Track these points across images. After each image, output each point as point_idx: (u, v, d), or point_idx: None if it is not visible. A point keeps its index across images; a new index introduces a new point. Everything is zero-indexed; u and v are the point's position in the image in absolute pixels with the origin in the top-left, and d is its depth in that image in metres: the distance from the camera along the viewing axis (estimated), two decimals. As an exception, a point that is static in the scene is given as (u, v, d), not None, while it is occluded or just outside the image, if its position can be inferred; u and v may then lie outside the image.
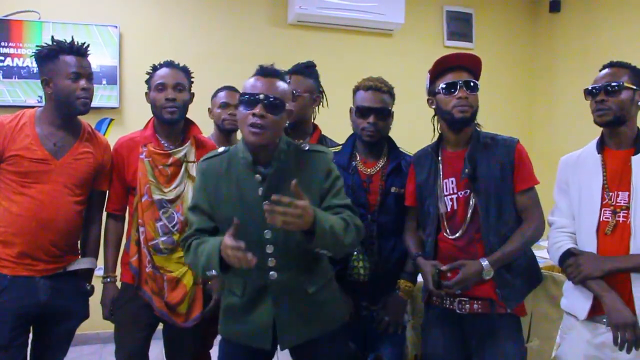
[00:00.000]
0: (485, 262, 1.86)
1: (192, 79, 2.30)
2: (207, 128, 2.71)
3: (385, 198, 2.19)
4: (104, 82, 3.79)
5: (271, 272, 1.76)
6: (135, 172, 2.17)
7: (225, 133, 2.82)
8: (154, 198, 2.15)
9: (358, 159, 2.26)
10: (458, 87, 1.93)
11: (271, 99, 1.69)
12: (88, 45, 2.09)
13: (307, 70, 2.45)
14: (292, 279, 1.78)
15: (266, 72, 1.75)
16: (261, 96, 1.68)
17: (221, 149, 1.83)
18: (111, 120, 3.86)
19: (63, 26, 3.67)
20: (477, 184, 1.94)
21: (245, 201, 1.74)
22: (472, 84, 1.94)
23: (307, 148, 1.83)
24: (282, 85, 1.76)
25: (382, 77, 2.25)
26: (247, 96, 1.71)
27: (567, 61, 4.54)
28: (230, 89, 2.87)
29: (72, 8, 3.79)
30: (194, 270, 2.04)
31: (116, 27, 3.81)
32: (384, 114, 2.18)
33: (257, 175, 1.74)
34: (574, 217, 1.99)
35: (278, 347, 1.83)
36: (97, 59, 3.67)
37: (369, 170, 2.24)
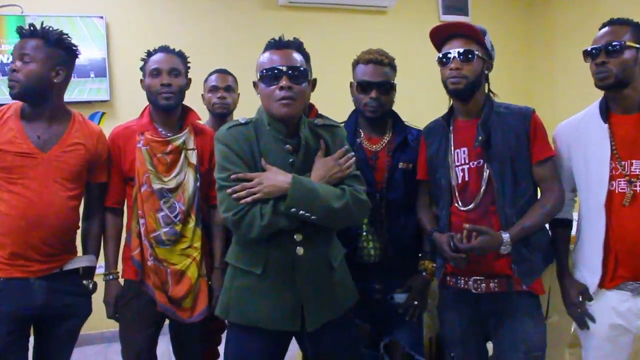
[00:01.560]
0: (506, 235, 1.79)
1: (189, 64, 2.21)
2: (204, 117, 2.62)
3: (392, 174, 2.11)
4: (92, 75, 3.68)
5: (298, 248, 1.70)
6: (133, 162, 2.08)
7: (219, 118, 2.70)
8: (154, 187, 2.06)
9: (362, 135, 2.18)
10: (451, 58, 1.85)
11: (294, 69, 1.69)
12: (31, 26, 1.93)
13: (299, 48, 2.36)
14: (318, 254, 1.75)
15: (280, 45, 1.74)
16: (283, 68, 1.67)
17: (242, 119, 1.78)
18: (103, 113, 3.76)
19: (47, 19, 3.50)
20: (491, 152, 1.86)
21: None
22: (468, 54, 1.85)
23: (320, 123, 1.83)
24: (298, 54, 1.75)
25: None
26: (267, 71, 1.69)
27: (566, 32, 4.44)
28: (221, 71, 2.77)
29: (56, 0, 3.66)
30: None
31: (102, 17, 3.69)
32: (387, 88, 2.10)
33: (288, 146, 1.73)
34: (574, 189, 1.94)
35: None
36: (85, 52, 3.51)
37: (374, 146, 2.15)
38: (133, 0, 3.84)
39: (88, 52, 3.64)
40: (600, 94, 1.87)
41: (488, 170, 1.87)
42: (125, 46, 3.74)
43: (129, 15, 3.81)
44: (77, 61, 2.07)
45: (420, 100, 4.04)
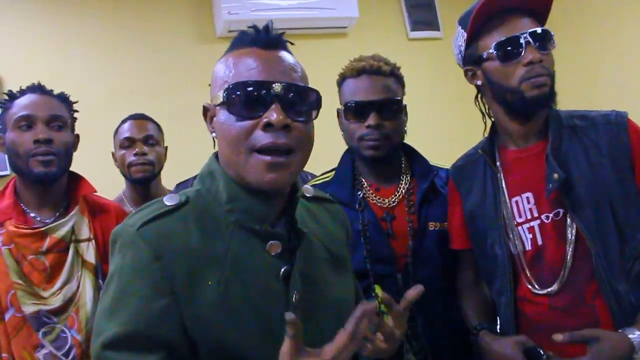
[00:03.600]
0: (635, 334, 1.05)
1: (74, 112, 1.51)
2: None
3: (420, 241, 1.40)
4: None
5: None
6: None
7: (140, 185, 1.93)
8: (26, 312, 1.30)
9: (366, 185, 1.47)
10: (524, 46, 1.18)
11: (296, 92, 0.91)
12: None
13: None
14: None
15: (267, 43, 0.93)
16: (276, 87, 0.89)
17: (171, 199, 0.92)
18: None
19: None
20: (576, 194, 1.17)
21: (254, 301, 0.88)
22: (547, 37, 1.20)
23: (311, 194, 1.11)
24: (300, 67, 0.97)
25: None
26: (250, 93, 0.89)
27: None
28: (138, 117, 1.99)
29: None
30: None
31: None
32: (392, 108, 1.39)
33: (273, 242, 0.92)
34: None
35: None
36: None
37: (386, 201, 1.44)
38: (29, 52, 3.04)
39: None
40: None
41: (574, 225, 1.17)
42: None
43: (28, 68, 3.00)
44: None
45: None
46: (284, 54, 0.94)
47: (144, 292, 0.81)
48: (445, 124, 3.59)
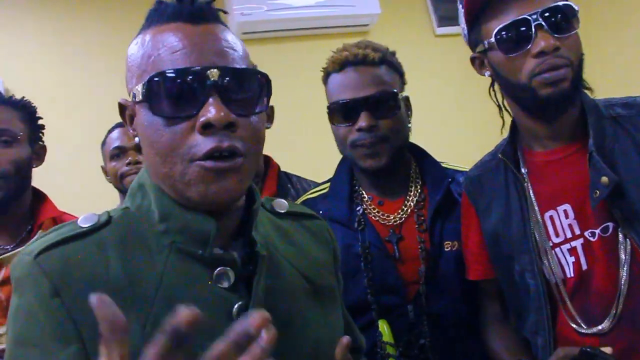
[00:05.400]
0: None
1: (39, 120, 1.32)
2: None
3: (435, 265, 1.19)
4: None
5: None
6: None
7: None
8: None
9: (366, 199, 1.26)
10: (534, 30, 0.96)
11: (237, 78, 0.72)
12: None
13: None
14: None
15: (195, 15, 0.73)
16: (212, 74, 0.69)
17: (85, 222, 0.74)
18: None
19: None
20: (629, 203, 0.94)
21: (196, 349, 0.61)
22: (567, 15, 0.97)
23: (286, 210, 0.91)
24: (240, 44, 0.78)
25: None
26: (177, 86, 0.70)
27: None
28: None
29: None
30: None
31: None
32: (387, 104, 1.19)
33: (222, 270, 0.73)
34: None
35: None
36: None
37: (392, 217, 1.22)
38: (35, 56, 2.96)
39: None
40: None
41: (629, 242, 0.94)
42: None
43: (32, 75, 2.91)
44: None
45: (424, 136, 3.22)
46: (217, 27, 0.73)
47: (42, 342, 0.62)
48: (476, 125, 3.34)
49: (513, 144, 1.11)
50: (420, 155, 1.33)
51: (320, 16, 3.18)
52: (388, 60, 1.24)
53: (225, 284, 0.72)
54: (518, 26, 0.97)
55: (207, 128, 0.68)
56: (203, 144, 0.68)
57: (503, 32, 0.98)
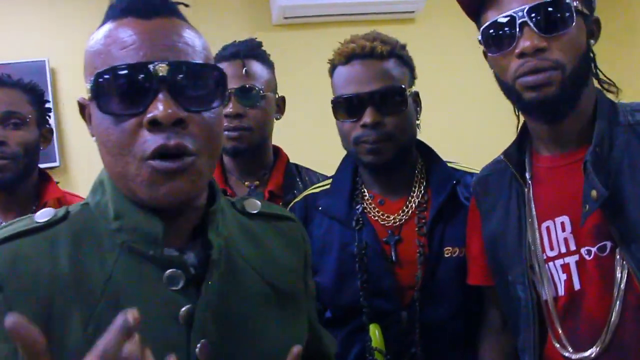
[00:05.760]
0: None
1: (46, 103, 1.39)
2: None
3: (433, 270, 1.13)
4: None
5: None
6: None
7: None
8: None
9: (367, 198, 1.21)
10: (518, 31, 0.89)
11: (188, 73, 0.69)
12: None
13: (263, 53, 1.51)
14: None
15: (147, 10, 0.70)
16: (160, 68, 0.66)
17: (41, 217, 0.72)
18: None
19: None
20: (629, 222, 0.85)
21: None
22: (555, 12, 0.89)
23: (257, 210, 0.85)
24: (198, 38, 0.74)
25: None
26: (124, 81, 0.67)
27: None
28: None
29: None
30: None
31: (45, 61, 2.89)
32: (394, 100, 1.13)
33: (173, 272, 0.70)
34: None
35: None
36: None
37: (392, 217, 1.17)
38: (79, 35, 3.03)
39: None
40: None
41: (626, 265, 0.85)
42: (76, 95, 2.92)
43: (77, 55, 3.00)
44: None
45: (463, 132, 3.12)
46: (171, 21, 0.70)
47: None
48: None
49: (520, 145, 1.03)
50: (428, 154, 1.26)
51: (363, 2, 3.11)
52: (397, 54, 1.18)
53: (178, 286, 0.70)
54: (500, 25, 0.90)
55: (155, 125, 0.65)
56: (151, 141, 0.65)
57: (489, 30, 0.93)
